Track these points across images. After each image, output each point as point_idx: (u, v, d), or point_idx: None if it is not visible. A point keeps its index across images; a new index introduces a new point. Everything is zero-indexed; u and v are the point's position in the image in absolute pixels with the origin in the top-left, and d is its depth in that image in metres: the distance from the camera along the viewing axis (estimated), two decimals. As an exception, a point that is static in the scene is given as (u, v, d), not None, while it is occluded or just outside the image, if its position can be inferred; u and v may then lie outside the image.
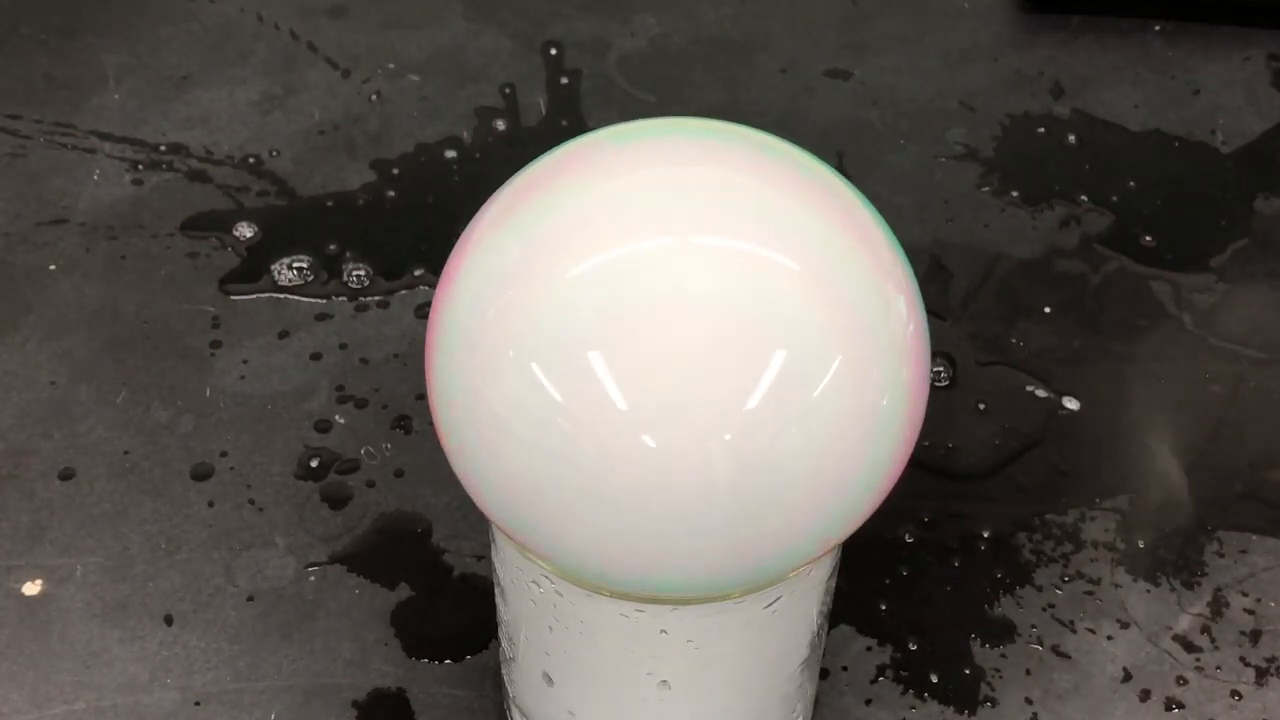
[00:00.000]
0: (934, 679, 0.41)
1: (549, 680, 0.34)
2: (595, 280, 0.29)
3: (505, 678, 0.37)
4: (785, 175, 0.32)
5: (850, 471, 0.30)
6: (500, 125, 0.54)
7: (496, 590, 0.35)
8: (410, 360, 0.47)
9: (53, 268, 0.49)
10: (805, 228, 0.30)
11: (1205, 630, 0.42)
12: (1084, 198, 0.53)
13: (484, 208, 0.32)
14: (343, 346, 0.47)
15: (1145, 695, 0.40)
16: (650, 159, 0.32)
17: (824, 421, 0.29)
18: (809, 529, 0.30)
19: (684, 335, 0.29)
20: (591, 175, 0.31)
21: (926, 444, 0.45)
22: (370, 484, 0.44)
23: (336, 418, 0.46)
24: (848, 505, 0.30)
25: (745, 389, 0.28)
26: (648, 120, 0.33)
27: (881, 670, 0.41)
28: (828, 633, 0.37)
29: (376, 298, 0.49)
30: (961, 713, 0.40)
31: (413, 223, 0.51)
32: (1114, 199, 0.53)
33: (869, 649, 0.41)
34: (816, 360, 0.29)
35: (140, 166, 0.52)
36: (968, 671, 0.41)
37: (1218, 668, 0.41)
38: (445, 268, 0.32)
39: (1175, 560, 0.43)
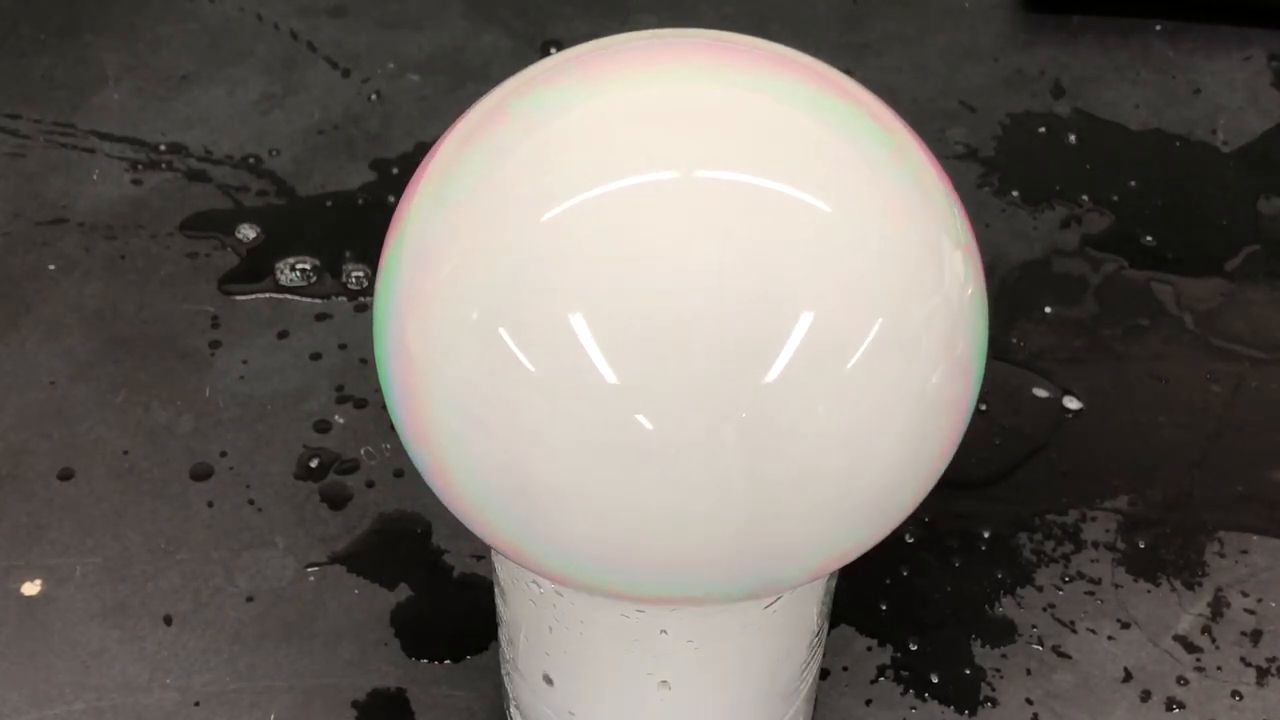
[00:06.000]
0: (934, 679, 0.41)
1: (549, 681, 0.34)
2: (577, 224, 0.24)
3: (505, 678, 0.37)
4: (818, 98, 0.26)
5: (892, 460, 0.25)
6: (500, 125, 0.54)
7: (496, 590, 0.35)
8: (410, 360, 0.47)
9: (52, 268, 0.49)
10: (841, 163, 0.25)
11: (1206, 630, 0.42)
12: (1084, 198, 0.53)
13: (444, 135, 0.27)
14: (342, 347, 0.47)
15: (1146, 695, 0.40)
16: (650, 75, 0.26)
17: (860, 399, 0.24)
18: (841, 529, 0.26)
19: (687, 291, 0.23)
20: (576, 94, 0.26)
21: (927, 444, 0.45)
22: (370, 484, 0.44)
23: (336, 418, 0.45)
24: (888, 501, 0.26)
25: (764, 358, 0.23)
26: (648, 30, 0.28)
27: (882, 670, 0.41)
28: (828, 633, 0.37)
29: (376, 298, 0.49)
30: (962, 713, 0.40)
31: (412, 223, 0.51)
32: (1114, 199, 0.53)
33: (869, 649, 0.41)
34: (852, 324, 0.24)
35: (140, 166, 0.52)
36: (968, 672, 0.41)
37: (1218, 668, 0.41)
38: (395, 212, 0.27)
39: (1176, 560, 0.43)
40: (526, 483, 0.25)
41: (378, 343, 0.27)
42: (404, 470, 0.44)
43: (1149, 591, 0.42)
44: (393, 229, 0.27)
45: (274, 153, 0.53)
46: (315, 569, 0.42)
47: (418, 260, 0.25)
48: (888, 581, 0.42)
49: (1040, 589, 0.42)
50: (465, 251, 0.25)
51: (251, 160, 0.53)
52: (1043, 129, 0.55)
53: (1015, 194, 0.53)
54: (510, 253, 0.24)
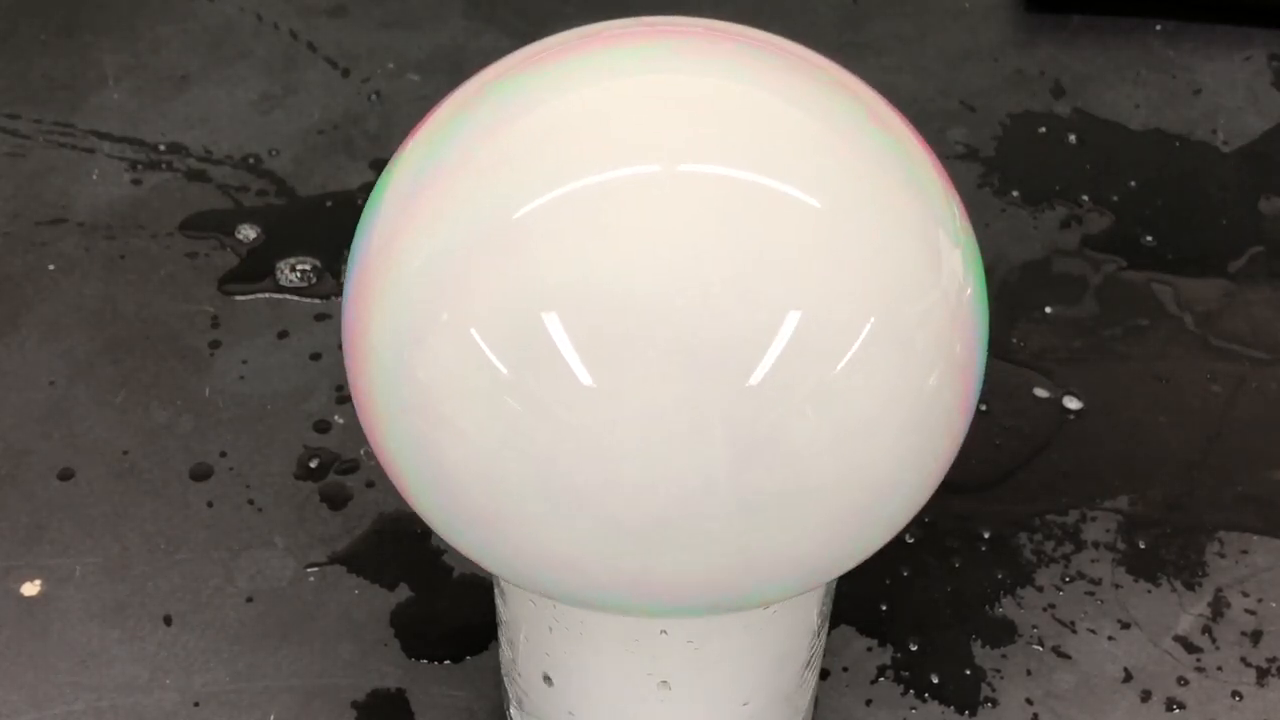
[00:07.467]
0: (934, 679, 0.41)
1: (549, 681, 0.34)
2: (552, 218, 0.23)
3: (505, 678, 0.37)
4: (805, 87, 0.25)
5: (886, 468, 0.24)
6: (500, 125, 0.54)
7: (496, 591, 0.35)
8: (410, 360, 0.47)
9: (52, 268, 0.49)
10: (831, 154, 0.24)
11: (1206, 630, 0.42)
12: (1084, 198, 0.53)
13: (420, 122, 0.26)
14: (342, 346, 0.47)
15: (1146, 696, 0.40)
16: (630, 62, 0.25)
17: (852, 403, 0.23)
18: (832, 540, 0.24)
19: (667, 290, 0.22)
20: (554, 83, 0.25)
21: (927, 444, 0.45)
22: (370, 484, 0.44)
23: (336, 418, 0.45)
24: (882, 511, 0.24)
25: (749, 360, 0.22)
26: (632, 19, 0.26)
27: (882, 670, 0.41)
28: (828, 633, 0.37)
29: (376, 298, 0.49)
30: (962, 713, 0.40)
31: (412, 223, 0.51)
32: (1114, 199, 0.53)
33: (869, 649, 0.41)
34: (842, 323, 0.23)
35: (139, 166, 0.52)
36: (968, 672, 0.41)
37: (1219, 668, 0.41)
38: (365, 208, 0.25)
39: (1176, 560, 0.43)
40: (499, 490, 0.24)
41: (344, 339, 0.26)
42: (404, 470, 0.44)
43: (1149, 591, 0.42)
44: (363, 220, 0.26)
45: (274, 153, 0.53)
46: (315, 569, 0.42)
47: (383, 254, 0.24)
48: (888, 581, 0.42)
49: (1040, 589, 0.42)
50: (435, 247, 0.23)
51: (251, 160, 0.53)
52: (1043, 129, 0.55)
53: (1015, 194, 0.53)
54: (483, 249, 0.23)
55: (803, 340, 0.22)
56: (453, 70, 0.56)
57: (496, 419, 0.23)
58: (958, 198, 0.26)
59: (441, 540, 0.43)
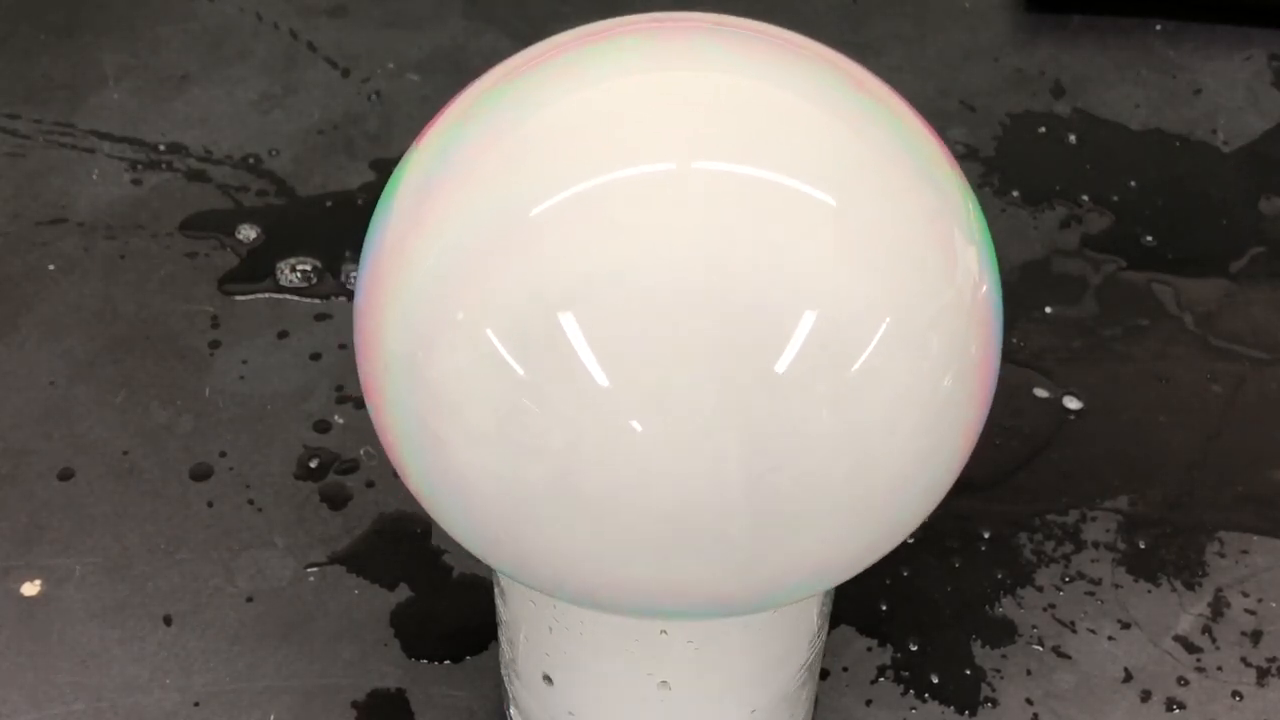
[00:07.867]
0: (934, 679, 0.41)
1: (549, 681, 0.34)
2: (568, 218, 0.23)
3: (505, 678, 0.37)
4: (819, 84, 0.25)
5: (901, 468, 0.24)
6: (500, 125, 0.54)
7: (496, 591, 0.35)
8: (410, 360, 0.47)
9: (52, 268, 0.49)
10: (846, 152, 0.24)
11: (1206, 630, 0.42)
12: (1084, 198, 0.53)
13: (430, 122, 0.26)
14: (342, 347, 0.47)
15: (1146, 696, 0.40)
16: (643, 60, 0.25)
17: (867, 404, 0.23)
18: (848, 541, 0.24)
19: (682, 291, 0.22)
20: (566, 80, 0.25)
21: (927, 444, 0.45)
22: (370, 484, 0.44)
23: (336, 418, 0.45)
24: (896, 512, 0.24)
25: (764, 361, 0.22)
26: (639, 15, 0.26)
27: (882, 671, 0.41)
28: (828, 633, 0.37)
29: (376, 298, 0.49)
30: (962, 713, 0.40)
31: (412, 223, 0.51)
32: (1114, 199, 0.53)
33: (869, 649, 0.41)
34: (857, 324, 0.23)
35: (139, 166, 0.52)
36: (968, 672, 0.41)
37: (1219, 668, 0.41)
38: (377, 208, 0.25)
39: (1176, 560, 0.43)
40: (513, 491, 0.23)
41: (356, 341, 0.26)
42: (404, 470, 0.44)
43: (1149, 591, 0.42)
44: (374, 220, 0.26)
45: (274, 153, 0.53)
46: (315, 569, 0.42)
47: (396, 254, 0.24)
48: (888, 581, 0.42)
49: (1040, 589, 0.42)
50: (448, 246, 0.23)
51: (251, 160, 0.53)
52: (1043, 129, 0.55)
53: (1015, 194, 0.53)
54: (497, 248, 0.23)
55: (817, 340, 0.22)
56: (453, 70, 0.56)
57: (512, 420, 0.23)
58: (973, 194, 0.26)
59: (441, 540, 0.43)
